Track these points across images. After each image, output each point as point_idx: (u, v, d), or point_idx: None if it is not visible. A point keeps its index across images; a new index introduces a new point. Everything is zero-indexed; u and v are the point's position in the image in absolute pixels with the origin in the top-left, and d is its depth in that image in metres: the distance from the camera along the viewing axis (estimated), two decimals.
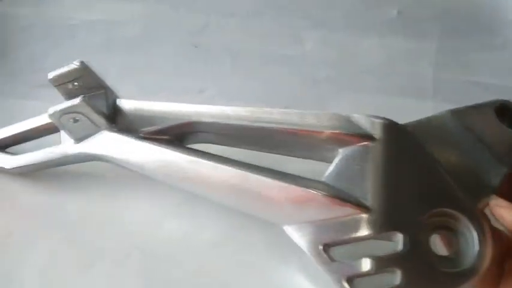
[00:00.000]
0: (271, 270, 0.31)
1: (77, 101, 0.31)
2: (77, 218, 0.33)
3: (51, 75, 0.33)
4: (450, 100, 0.41)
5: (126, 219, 0.33)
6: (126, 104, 0.34)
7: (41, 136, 0.36)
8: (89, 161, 0.34)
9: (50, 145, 0.35)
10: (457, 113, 0.30)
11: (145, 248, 0.32)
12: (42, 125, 0.35)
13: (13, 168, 0.35)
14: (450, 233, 0.27)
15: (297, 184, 0.28)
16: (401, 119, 0.36)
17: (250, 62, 0.46)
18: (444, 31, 0.48)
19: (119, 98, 0.35)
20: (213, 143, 0.33)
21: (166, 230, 0.33)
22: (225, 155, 0.31)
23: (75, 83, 0.33)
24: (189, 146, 0.33)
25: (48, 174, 0.36)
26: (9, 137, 0.36)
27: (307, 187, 0.28)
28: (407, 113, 0.40)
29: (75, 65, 0.32)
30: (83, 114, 0.31)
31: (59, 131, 0.35)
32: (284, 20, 0.50)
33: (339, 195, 0.27)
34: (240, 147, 0.33)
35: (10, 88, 0.44)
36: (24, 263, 0.31)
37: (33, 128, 0.36)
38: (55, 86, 0.33)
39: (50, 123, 0.35)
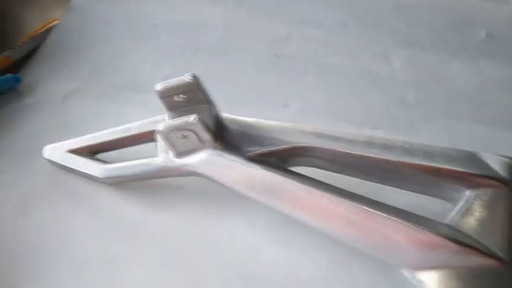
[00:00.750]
0: None
1: (191, 118, 0.29)
2: (173, 237, 0.32)
3: (159, 87, 0.31)
4: None
5: (225, 242, 0.32)
6: (229, 120, 0.33)
7: (135, 145, 0.35)
8: (187, 176, 0.33)
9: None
10: None
11: (245, 276, 0.30)
12: (138, 134, 0.34)
13: (106, 178, 0.34)
14: None
15: (426, 228, 0.27)
16: (498, 152, 0.35)
17: (335, 77, 0.45)
18: None
19: (220, 112, 0.33)
20: (319, 168, 0.32)
21: (265, 258, 0.31)
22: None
23: (181, 96, 0.32)
24: (291, 168, 0.32)
25: (142, 186, 0.34)
26: (99, 144, 0.35)
27: (438, 233, 0.26)
28: (502, 145, 0.39)
29: (187, 78, 0.31)
30: (193, 131, 0.30)
31: (154, 141, 0.34)
32: (370, 35, 0.48)
33: (470, 243, 0.26)
34: (347, 175, 0.32)
35: (89, 86, 0.42)
36: (124, 280, 0.30)
37: (128, 136, 0.34)
38: (160, 98, 0.31)
39: (147, 132, 0.34)
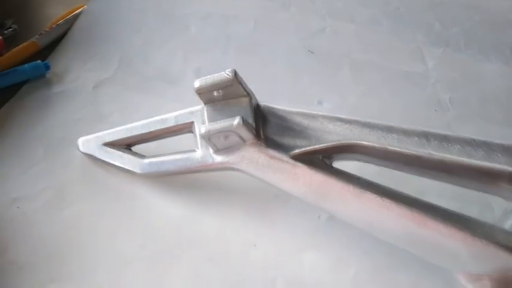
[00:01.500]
0: None
1: (235, 122, 0.28)
2: (216, 235, 0.31)
3: (198, 84, 0.30)
4: None
5: (267, 243, 0.31)
6: (270, 111, 0.32)
7: (171, 136, 0.34)
8: (227, 170, 0.32)
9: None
10: None
11: (289, 278, 0.29)
12: (175, 125, 0.33)
13: (143, 172, 0.33)
14: None
15: (481, 236, 0.26)
16: None
17: (369, 75, 0.44)
18: None
19: (259, 103, 0.32)
20: (367, 162, 0.30)
21: (309, 260, 0.30)
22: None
23: (220, 91, 0.30)
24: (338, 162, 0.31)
25: (181, 181, 0.33)
26: (136, 135, 0.34)
27: (494, 240, 0.26)
28: None
29: (227, 75, 0.30)
30: (235, 133, 0.29)
31: (192, 133, 0.33)
32: (404, 32, 0.47)
33: None
34: (399, 171, 0.30)
35: (119, 76, 0.41)
36: (165, 282, 0.29)
37: (165, 127, 0.33)
38: (199, 93, 0.30)
39: (185, 123, 0.33)
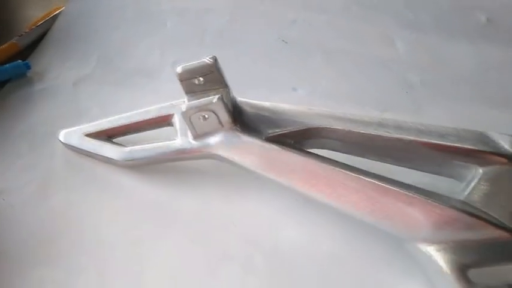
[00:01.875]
0: (392, 285, 0.30)
1: (214, 99, 0.30)
2: (195, 217, 0.32)
3: (181, 69, 0.31)
4: None
5: (245, 222, 0.32)
6: (247, 103, 0.33)
7: (152, 129, 0.35)
8: (205, 158, 0.33)
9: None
10: None
11: (266, 253, 0.31)
12: (156, 117, 0.34)
13: (124, 160, 0.34)
14: None
15: (441, 202, 0.27)
16: (501, 131, 0.36)
17: (342, 62, 0.45)
18: None
19: (236, 98, 0.34)
20: (336, 151, 0.32)
21: (285, 236, 0.32)
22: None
23: (201, 79, 0.32)
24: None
25: (161, 169, 0.34)
26: (117, 127, 0.35)
27: (452, 206, 0.27)
28: (505, 125, 0.40)
29: (208, 60, 0.31)
30: (214, 112, 0.30)
31: (171, 125, 0.34)
32: (374, 19, 0.49)
33: (485, 217, 0.27)
34: (361, 156, 0.32)
35: (98, 72, 0.43)
36: (148, 262, 0.30)
37: (146, 119, 0.35)
38: (181, 80, 0.32)
39: (164, 116, 0.34)
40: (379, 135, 0.30)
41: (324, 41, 0.47)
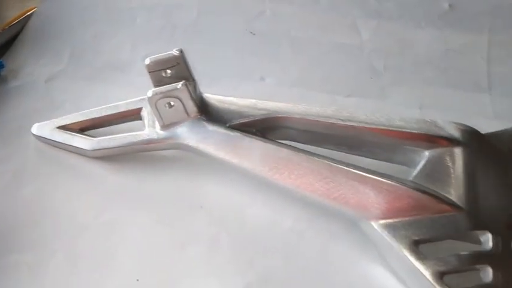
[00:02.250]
0: (353, 257, 0.32)
1: (179, 85, 0.31)
2: (163, 202, 0.34)
3: (149, 61, 0.33)
4: (507, 94, 0.43)
5: (212, 205, 0.34)
6: (212, 97, 0.35)
7: (122, 122, 0.36)
8: (171, 149, 0.35)
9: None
10: None
11: (231, 232, 0.32)
12: (125, 111, 0.36)
13: (94, 150, 0.35)
14: None
15: (391, 180, 0.29)
16: (460, 112, 0.37)
17: (308, 50, 0.47)
18: (495, 25, 0.49)
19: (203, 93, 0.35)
20: (296, 141, 0.34)
21: (250, 216, 0.33)
22: None
23: (168, 71, 0.33)
24: None
25: (131, 159, 0.36)
26: (87, 120, 0.36)
27: (402, 183, 0.29)
28: (466, 106, 0.42)
29: (174, 52, 0.33)
30: (179, 99, 0.32)
31: (140, 119, 0.36)
32: (340, 9, 0.50)
33: (432, 193, 0.29)
34: (322, 147, 0.34)
35: (71, 68, 0.44)
36: (119, 242, 0.32)
37: (116, 113, 0.36)
38: (149, 72, 0.33)
39: (133, 109, 0.36)
40: (333, 123, 0.32)
41: (291, 31, 0.48)
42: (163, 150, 0.36)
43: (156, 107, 0.32)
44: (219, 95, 0.35)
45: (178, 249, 0.31)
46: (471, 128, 0.31)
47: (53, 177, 0.35)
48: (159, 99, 0.32)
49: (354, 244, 0.32)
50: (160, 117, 0.33)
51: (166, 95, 0.31)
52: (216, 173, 0.35)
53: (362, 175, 0.30)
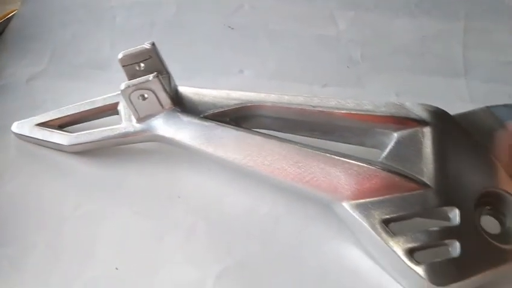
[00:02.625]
0: (329, 241, 0.32)
1: (150, 77, 0.32)
2: (142, 193, 0.34)
3: (121, 55, 0.34)
4: (482, 79, 0.43)
5: (189, 195, 0.34)
6: (186, 89, 0.36)
7: (99, 117, 0.37)
8: (148, 141, 0.36)
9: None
10: (493, 109, 0.33)
11: (209, 220, 0.33)
12: (102, 106, 0.37)
13: (71, 145, 0.36)
14: (499, 213, 0.30)
15: (360, 161, 0.30)
16: (438, 97, 0.38)
17: (286, 43, 0.47)
18: (471, 12, 0.49)
19: (177, 86, 0.36)
20: (269, 129, 0.35)
21: (227, 203, 0.34)
22: None
23: (142, 65, 0.34)
24: None
25: (109, 154, 0.37)
26: (65, 116, 0.37)
27: (372, 164, 0.30)
28: (442, 92, 0.43)
29: (146, 45, 0.34)
30: (152, 91, 0.33)
31: (117, 114, 0.36)
32: (317, 1, 0.51)
33: (401, 172, 0.30)
34: (296, 134, 0.35)
35: (51, 68, 0.45)
36: (98, 233, 0.32)
37: (93, 108, 0.37)
38: (123, 66, 0.34)
39: (110, 104, 0.37)
40: (304, 109, 0.33)
41: (269, 25, 0.49)
42: (141, 143, 0.36)
43: (130, 100, 0.33)
44: (197, 87, 0.36)
45: (156, 239, 0.32)
46: (439, 108, 0.32)
47: (33, 173, 0.36)
48: (132, 92, 0.32)
49: (329, 229, 0.33)
50: (135, 110, 0.34)
51: (138, 87, 0.32)
52: (194, 164, 0.36)
53: (332, 158, 0.30)
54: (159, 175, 0.35)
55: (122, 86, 0.32)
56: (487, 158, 0.30)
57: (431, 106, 0.32)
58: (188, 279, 0.30)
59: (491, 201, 0.30)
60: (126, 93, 0.32)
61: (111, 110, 0.37)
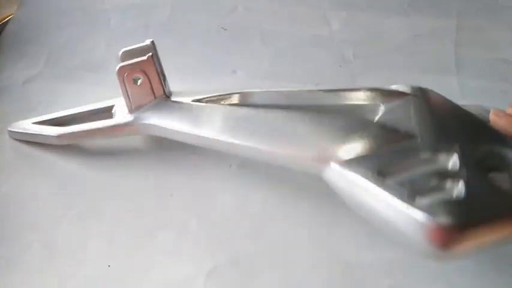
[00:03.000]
0: (319, 237, 0.33)
1: (144, 57, 0.33)
2: (135, 192, 0.35)
3: (121, 52, 0.34)
4: (474, 76, 0.44)
5: (181, 192, 0.35)
6: (180, 89, 0.37)
7: (94, 119, 0.37)
8: (138, 134, 0.36)
9: None
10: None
11: (201, 217, 0.33)
12: (98, 108, 0.38)
13: (59, 135, 0.36)
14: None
15: (349, 117, 0.31)
16: None
17: (279, 43, 0.48)
18: (464, 10, 0.50)
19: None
20: None
21: (219, 201, 0.34)
22: None
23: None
24: None
25: (102, 151, 0.37)
26: (62, 117, 0.38)
27: (359, 121, 0.31)
28: (434, 89, 0.43)
29: (146, 43, 0.34)
30: (146, 73, 0.34)
31: (112, 117, 0.37)
32: (310, 1, 0.51)
33: (391, 125, 0.30)
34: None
35: (47, 71, 0.45)
36: (91, 233, 0.33)
37: (89, 110, 0.38)
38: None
39: (106, 107, 0.38)
40: (292, 91, 0.34)
41: (262, 25, 0.49)
42: (134, 142, 0.37)
43: (125, 84, 0.34)
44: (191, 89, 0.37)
45: (148, 236, 0.32)
46: (418, 85, 0.33)
47: (28, 174, 0.36)
48: (127, 73, 0.33)
49: (320, 225, 0.33)
50: (128, 99, 0.34)
51: (134, 66, 0.33)
52: (186, 163, 0.36)
53: (318, 116, 0.31)
54: (152, 174, 0.36)
55: (118, 67, 0.33)
56: (477, 119, 0.30)
57: (411, 84, 0.33)
58: (180, 276, 0.30)
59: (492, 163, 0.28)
60: (121, 74, 0.33)
61: (106, 112, 0.38)
